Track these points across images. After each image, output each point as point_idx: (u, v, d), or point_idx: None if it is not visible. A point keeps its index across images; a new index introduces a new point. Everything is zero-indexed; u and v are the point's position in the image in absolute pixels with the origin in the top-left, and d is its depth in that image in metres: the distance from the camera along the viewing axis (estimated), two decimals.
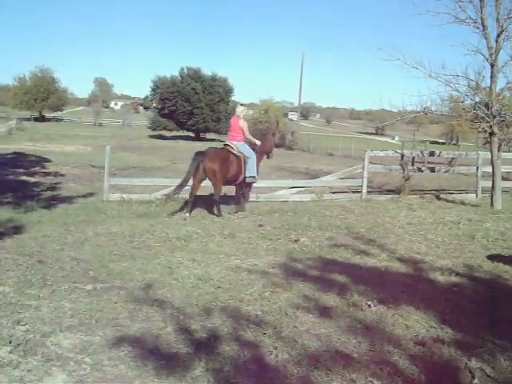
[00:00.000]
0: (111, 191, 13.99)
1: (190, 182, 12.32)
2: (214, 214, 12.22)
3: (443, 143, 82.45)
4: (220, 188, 12.31)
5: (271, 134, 14.99)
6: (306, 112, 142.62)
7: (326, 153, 49.32)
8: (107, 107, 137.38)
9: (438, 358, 4.71)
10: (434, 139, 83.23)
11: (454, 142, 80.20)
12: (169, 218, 11.28)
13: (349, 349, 4.86)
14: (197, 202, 12.83)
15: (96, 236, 9.36)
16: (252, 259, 8.02)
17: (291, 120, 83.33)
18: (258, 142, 13.15)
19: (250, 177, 12.87)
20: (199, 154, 12.25)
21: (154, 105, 72.05)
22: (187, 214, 11.80)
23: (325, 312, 5.75)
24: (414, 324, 5.46)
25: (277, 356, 4.69)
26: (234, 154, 12.53)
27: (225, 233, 9.83)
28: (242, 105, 13.98)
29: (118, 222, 10.64)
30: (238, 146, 12.69)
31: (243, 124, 12.77)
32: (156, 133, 65.15)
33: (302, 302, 6.05)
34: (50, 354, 4.61)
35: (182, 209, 12.60)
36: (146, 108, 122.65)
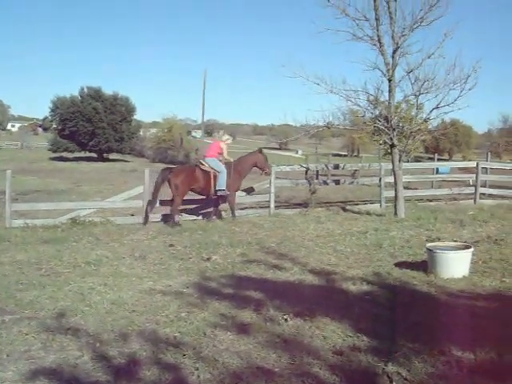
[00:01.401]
0: (13, 217, 13.43)
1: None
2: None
3: (345, 155, 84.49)
4: (179, 202, 13.83)
5: (258, 150, 15.27)
6: (210, 129, 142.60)
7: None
8: (4, 129, 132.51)
9: (356, 366, 4.81)
10: (336, 152, 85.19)
11: (355, 154, 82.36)
12: (76, 243, 10.97)
13: (269, 364, 4.89)
14: (107, 224, 12.83)
15: (0, 265, 8.99)
16: (165, 280, 7.95)
17: (195, 137, 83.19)
18: (227, 157, 14.54)
19: (219, 190, 14.08)
20: (166, 169, 14.22)
21: (53, 126, 70.12)
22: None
23: (243, 329, 5.76)
24: (330, 334, 5.56)
25: (199, 377, 4.66)
26: (202, 170, 14.09)
27: (135, 255, 9.70)
28: (229, 135, 16.46)
29: (22, 250, 10.23)
30: (209, 161, 14.23)
31: (224, 146, 14.54)
32: (57, 154, 63.23)
33: (219, 321, 6.04)
34: None
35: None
36: (45, 129, 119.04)
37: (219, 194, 14.20)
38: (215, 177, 14.09)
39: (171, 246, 10.50)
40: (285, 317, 6.05)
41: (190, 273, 8.41)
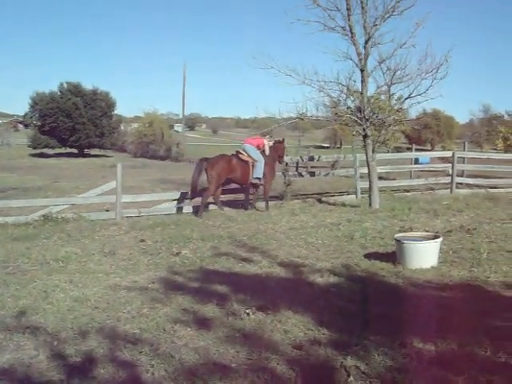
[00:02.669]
0: None
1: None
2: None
3: (327, 147, 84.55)
4: (211, 191, 14.18)
5: (281, 140, 15.90)
6: (192, 123, 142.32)
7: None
8: None
9: (314, 360, 4.73)
10: (319, 144, 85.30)
11: (337, 146, 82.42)
12: (47, 240, 10.82)
13: (227, 359, 4.80)
14: (80, 220, 12.76)
15: None
16: (132, 276, 7.85)
17: (177, 131, 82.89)
18: (268, 152, 14.93)
19: (255, 178, 14.58)
20: (203, 160, 14.36)
21: (33, 122, 69.56)
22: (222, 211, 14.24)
23: (204, 324, 5.67)
24: (292, 328, 5.47)
25: (153, 374, 4.57)
26: (240, 159, 14.51)
27: (105, 251, 9.57)
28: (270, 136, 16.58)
29: None
30: (249, 150, 14.67)
31: (266, 143, 15.03)
32: (37, 151, 62.57)
33: (180, 316, 5.95)
34: None
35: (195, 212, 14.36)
36: (26, 126, 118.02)
37: (255, 182, 14.74)
38: (253, 166, 14.55)
39: (142, 241, 10.37)
40: (247, 311, 5.95)
41: (158, 268, 8.31)
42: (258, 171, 14.57)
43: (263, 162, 14.65)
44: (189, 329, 5.57)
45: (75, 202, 14.51)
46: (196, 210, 14.44)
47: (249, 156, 14.63)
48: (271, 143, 15.36)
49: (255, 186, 15.05)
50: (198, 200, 14.48)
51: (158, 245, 9.97)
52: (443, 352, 4.81)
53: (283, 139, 16.07)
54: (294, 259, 8.59)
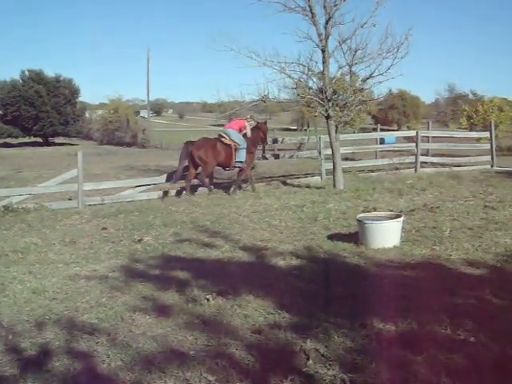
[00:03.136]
0: None
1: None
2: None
3: (294, 129, 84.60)
4: (207, 172, 14.63)
5: (263, 122, 16.31)
6: (158, 108, 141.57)
7: (179, 148, 48.89)
8: None
9: (273, 345, 4.66)
10: (286, 126, 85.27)
11: (305, 128, 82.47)
12: (7, 231, 10.60)
13: (185, 347, 4.71)
14: (41, 210, 12.56)
15: None
16: (92, 265, 7.70)
17: (143, 117, 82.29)
18: (249, 134, 15.10)
19: (238, 161, 14.82)
20: (188, 143, 14.97)
21: None
22: (189, 196, 14.15)
23: (163, 311, 5.56)
24: (252, 313, 5.40)
25: (109, 364, 4.45)
26: (223, 143, 14.71)
27: (66, 240, 9.39)
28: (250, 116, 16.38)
29: None
30: (231, 134, 14.85)
31: (247, 125, 15.15)
32: (1, 141, 61.79)
33: (139, 304, 5.83)
34: None
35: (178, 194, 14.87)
36: None
37: (237, 165, 14.97)
38: (235, 149, 14.75)
39: (104, 229, 10.22)
40: (207, 297, 5.86)
41: (119, 256, 8.17)
42: (241, 155, 14.80)
43: (245, 145, 14.87)
44: (148, 317, 5.46)
45: (36, 191, 14.28)
46: (178, 193, 14.94)
47: (231, 140, 14.78)
48: (252, 124, 15.45)
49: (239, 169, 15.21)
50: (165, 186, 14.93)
51: (120, 232, 9.83)
52: (403, 332, 4.78)
53: (266, 121, 16.54)
54: (257, 243, 8.51)
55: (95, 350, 4.75)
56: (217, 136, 15.19)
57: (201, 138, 15.53)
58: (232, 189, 14.93)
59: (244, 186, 15.35)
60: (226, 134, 14.96)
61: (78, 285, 6.75)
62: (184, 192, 14.70)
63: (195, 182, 15.14)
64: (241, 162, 14.87)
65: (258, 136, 15.51)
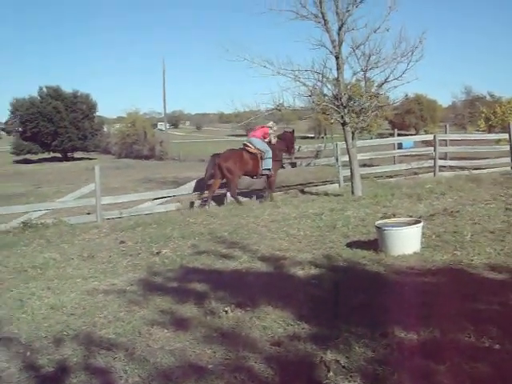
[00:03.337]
0: None
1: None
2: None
3: (312, 137, 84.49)
4: (235, 184, 14.78)
5: (289, 131, 16.52)
6: (175, 120, 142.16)
7: (197, 159, 49.10)
8: None
9: (293, 357, 4.59)
10: (304, 134, 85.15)
11: (322, 136, 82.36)
12: (26, 247, 10.63)
13: (203, 360, 4.65)
14: (60, 225, 12.60)
15: None
16: (110, 279, 7.68)
17: (161, 130, 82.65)
18: (274, 141, 15.34)
19: (265, 169, 14.96)
20: (215, 155, 14.96)
21: (15, 128, 69.08)
22: (207, 207, 14.25)
23: (181, 325, 5.51)
24: (271, 324, 5.32)
25: (127, 380, 4.42)
26: (249, 152, 14.90)
27: (84, 255, 9.39)
28: (274, 122, 16.45)
29: None
30: (255, 142, 15.02)
31: (270, 131, 15.37)
32: (21, 157, 62.26)
33: (157, 318, 5.79)
34: None
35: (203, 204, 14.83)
36: (8, 133, 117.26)
37: (265, 173, 15.11)
38: (262, 158, 14.92)
39: (122, 242, 10.21)
40: (226, 309, 5.80)
41: (137, 269, 8.13)
42: (267, 162, 14.94)
43: (271, 153, 15.03)
44: (165, 330, 5.41)
45: (54, 206, 14.34)
46: (203, 204, 14.83)
47: (256, 148, 14.96)
48: (275, 128, 15.73)
49: (267, 177, 15.34)
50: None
51: (138, 245, 9.81)
52: (425, 340, 4.68)
53: (293, 130, 16.61)
54: (275, 252, 8.43)
55: (113, 365, 4.71)
56: (242, 146, 15.35)
57: (227, 149, 15.61)
58: (265, 196, 15.32)
59: (262, 195, 15.29)
60: (250, 143, 15.08)
61: (96, 299, 6.73)
62: (207, 203, 14.69)
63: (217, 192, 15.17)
64: (268, 169, 14.98)
65: (284, 144, 15.65)
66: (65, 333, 5.60)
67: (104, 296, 6.83)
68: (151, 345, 5.10)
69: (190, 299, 6.26)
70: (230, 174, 14.50)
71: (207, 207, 14.27)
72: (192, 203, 15.12)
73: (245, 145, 15.24)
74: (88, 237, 11.33)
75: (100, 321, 5.91)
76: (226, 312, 5.73)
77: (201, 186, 15.12)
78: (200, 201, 15.12)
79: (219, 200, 15.01)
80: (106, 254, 9.33)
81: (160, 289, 6.89)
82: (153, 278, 7.57)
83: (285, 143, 15.70)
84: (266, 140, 15.16)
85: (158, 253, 9.04)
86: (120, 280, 7.59)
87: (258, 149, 14.91)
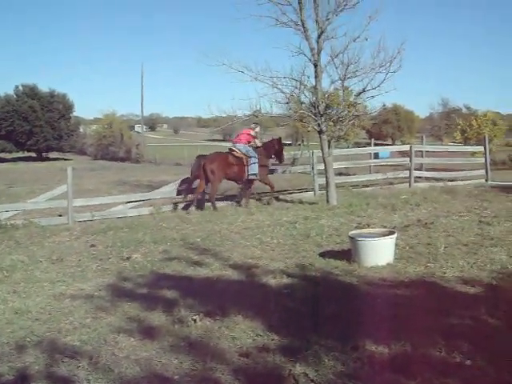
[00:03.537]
0: None
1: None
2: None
3: (289, 144, 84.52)
4: (216, 187, 14.69)
5: (275, 138, 16.47)
6: (152, 123, 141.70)
7: (173, 163, 48.84)
8: None
9: (261, 369, 4.48)
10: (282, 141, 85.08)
11: (299, 143, 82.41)
12: None
13: (169, 371, 4.53)
14: (30, 226, 12.34)
15: None
16: (79, 283, 7.52)
17: (138, 132, 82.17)
18: (259, 144, 15.52)
19: (251, 174, 14.88)
20: (200, 156, 15.19)
21: None
22: (191, 209, 14.44)
23: (148, 333, 5.38)
24: (240, 335, 5.22)
25: None
26: (235, 156, 14.85)
27: (53, 258, 9.21)
28: (255, 123, 15.89)
29: None
30: (241, 148, 14.94)
31: (254, 134, 15.40)
32: None
33: (124, 325, 5.65)
34: None
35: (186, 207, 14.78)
36: None
37: (251, 178, 15.03)
38: (247, 163, 14.86)
39: (92, 246, 10.05)
40: (194, 317, 5.68)
41: (107, 274, 7.99)
42: (253, 168, 14.87)
43: (257, 158, 14.94)
44: (132, 339, 5.28)
45: (25, 207, 14.04)
46: (186, 207, 14.79)
47: (242, 153, 14.91)
48: (257, 130, 15.68)
49: (251, 182, 15.30)
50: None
51: (109, 249, 9.65)
52: (396, 354, 4.61)
53: (279, 137, 16.67)
54: (248, 260, 8.34)
55: (76, 374, 4.58)
56: (228, 150, 15.35)
57: (213, 152, 15.85)
58: (242, 202, 15.23)
59: (237, 201, 15.20)
60: (236, 148, 15.04)
61: (62, 305, 6.58)
62: (191, 205, 14.68)
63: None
64: (254, 174, 14.94)
65: (271, 150, 15.63)
66: (28, 339, 5.44)
67: (71, 301, 6.68)
68: (117, 353, 4.96)
69: (159, 306, 6.13)
70: (213, 175, 14.43)
71: (191, 209, 14.43)
72: (175, 205, 15.01)
73: (231, 149, 15.22)
74: (58, 239, 11.13)
75: (65, 327, 5.76)
76: (195, 321, 5.61)
77: (185, 188, 14.96)
78: (183, 203, 14.99)
79: (199, 205, 14.83)
80: (76, 258, 9.16)
81: (129, 295, 6.75)
82: (122, 283, 7.43)
83: (273, 149, 15.68)
84: (251, 144, 15.17)
85: (128, 258, 8.90)
86: (88, 285, 7.43)
87: (244, 153, 14.90)
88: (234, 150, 15.05)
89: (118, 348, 5.08)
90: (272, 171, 17.37)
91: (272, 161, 16.05)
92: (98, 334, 5.47)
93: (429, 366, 4.34)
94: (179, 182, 15.54)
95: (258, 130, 15.73)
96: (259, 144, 15.47)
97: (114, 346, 5.13)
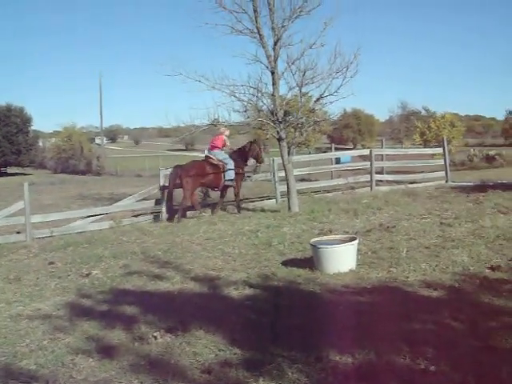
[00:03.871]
0: None
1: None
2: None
3: None
4: (188, 196, 14.56)
5: (254, 140, 16.57)
6: (113, 135, 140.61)
7: (134, 174, 48.46)
8: None
9: None
10: None
11: None
12: None
13: None
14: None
15: None
16: (36, 303, 7.28)
17: (98, 145, 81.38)
18: (228, 143, 15.67)
19: (228, 180, 15.03)
20: (177, 167, 14.97)
21: None
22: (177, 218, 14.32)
23: (107, 353, 5.21)
24: (202, 350, 5.09)
25: None
26: (212, 164, 14.96)
27: (10, 277, 8.93)
28: (224, 126, 15.27)
29: None
30: (216, 154, 15.10)
31: (225, 137, 15.43)
32: None
33: (83, 346, 5.47)
34: None
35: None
36: None
37: (228, 184, 15.18)
38: (224, 169, 14.98)
39: (51, 263, 9.78)
40: (155, 334, 5.54)
41: (66, 292, 7.76)
42: (230, 174, 15.01)
43: (233, 163, 15.06)
44: (91, 359, 5.11)
45: None
46: (169, 217, 14.78)
47: (218, 160, 15.03)
48: (227, 133, 15.65)
49: (227, 188, 15.46)
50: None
51: (68, 266, 9.41)
52: (361, 363, 4.55)
53: (255, 139, 16.90)
54: (209, 272, 8.22)
55: None
56: (203, 158, 15.50)
57: (190, 161, 15.95)
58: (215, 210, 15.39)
59: (197, 212, 15.06)
60: (212, 155, 15.12)
61: (19, 326, 6.35)
62: (178, 215, 14.54)
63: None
64: (231, 180, 15.06)
65: (246, 155, 15.61)
66: None
67: (28, 322, 6.46)
68: (74, 376, 4.80)
69: (119, 324, 5.98)
70: (187, 185, 14.47)
71: (204, 214, 14.84)
72: (156, 216, 15.03)
73: (207, 157, 15.27)
74: (16, 257, 10.86)
75: (21, 350, 5.55)
76: (155, 338, 5.48)
77: (165, 198, 15.05)
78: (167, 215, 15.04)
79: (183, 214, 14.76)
80: (34, 276, 8.92)
81: (88, 313, 6.57)
82: (81, 301, 7.24)
83: (249, 153, 15.68)
84: (226, 148, 15.35)
85: (88, 274, 8.70)
86: (46, 304, 7.21)
87: (220, 160, 15.00)
88: (210, 158, 15.13)
89: (75, 370, 4.91)
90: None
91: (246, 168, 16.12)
92: (55, 356, 5.28)
93: (394, 373, 4.30)
94: (146, 191, 15.65)
95: (227, 133, 15.69)
96: (228, 143, 15.63)
97: (72, 368, 4.95)
